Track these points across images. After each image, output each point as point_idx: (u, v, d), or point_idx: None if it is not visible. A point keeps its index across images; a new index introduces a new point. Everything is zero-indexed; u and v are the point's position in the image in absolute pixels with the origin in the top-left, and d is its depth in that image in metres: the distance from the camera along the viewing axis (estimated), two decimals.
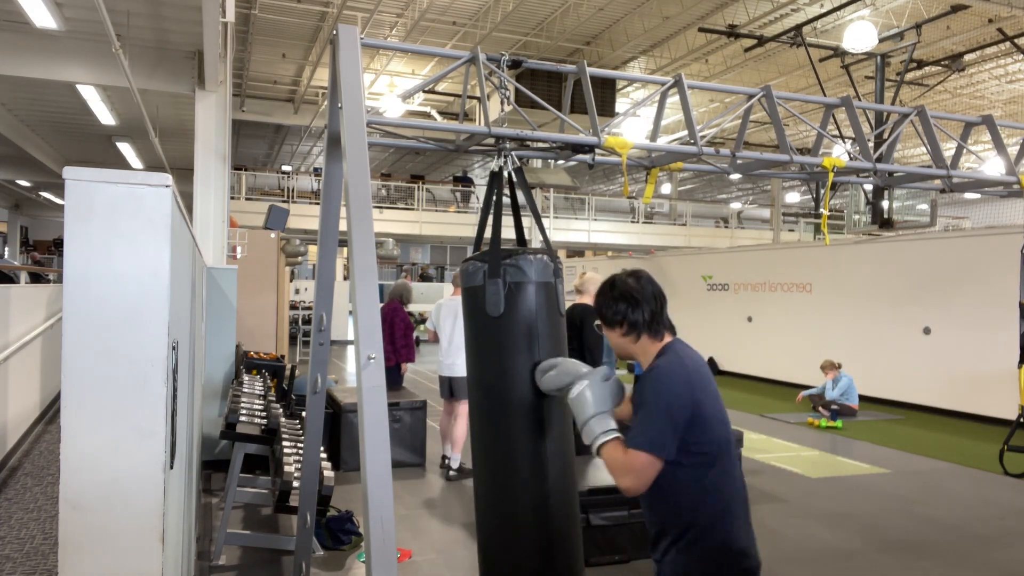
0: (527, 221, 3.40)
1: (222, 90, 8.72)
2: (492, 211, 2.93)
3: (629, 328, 2.30)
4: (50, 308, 7.44)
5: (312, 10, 13.83)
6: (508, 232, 2.99)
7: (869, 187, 12.92)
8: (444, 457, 6.90)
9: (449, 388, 6.85)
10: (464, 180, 24.10)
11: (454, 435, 6.70)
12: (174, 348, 2.00)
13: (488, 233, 2.84)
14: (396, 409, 6.91)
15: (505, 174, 3.11)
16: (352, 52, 2.94)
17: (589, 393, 2.25)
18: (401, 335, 7.75)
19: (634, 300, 2.29)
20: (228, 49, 9.07)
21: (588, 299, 6.17)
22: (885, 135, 7.94)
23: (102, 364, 1.77)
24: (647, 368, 2.28)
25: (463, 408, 6.59)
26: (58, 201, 24.20)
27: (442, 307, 6.94)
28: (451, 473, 6.66)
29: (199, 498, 5.36)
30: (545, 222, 23.61)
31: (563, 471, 2.67)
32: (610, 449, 2.19)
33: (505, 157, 3.15)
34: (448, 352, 6.81)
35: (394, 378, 7.74)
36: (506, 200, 3.09)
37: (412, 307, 28.80)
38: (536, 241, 22.31)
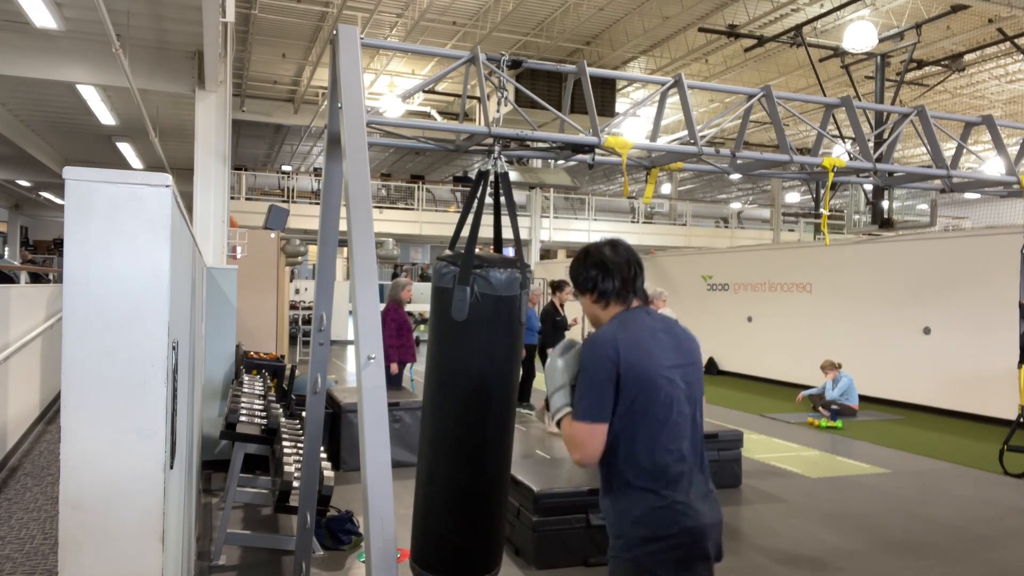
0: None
1: (222, 90, 8.72)
2: (473, 213, 2.99)
3: (599, 295, 2.36)
4: (50, 308, 7.44)
5: (312, 10, 13.83)
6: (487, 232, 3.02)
7: (869, 187, 12.92)
8: None
9: None
10: (464, 180, 24.11)
11: None
12: (174, 348, 2.00)
13: (466, 234, 2.92)
14: (396, 409, 6.91)
15: (493, 175, 3.12)
16: (352, 52, 2.95)
17: (555, 364, 2.33)
18: (393, 335, 7.70)
19: (606, 268, 2.34)
20: (228, 49, 9.07)
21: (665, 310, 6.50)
22: (885, 135, 7.94)
23: (102, 364, 1.77)
24: None
25: None
26: (58, 201, 24.20)
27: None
28: None
29: (199, 498, 5.36)
30: (545, 222, 23.59)
31: (499, 463, 2.89)
32: (564, 424, 2.26)
33: (495, 159, 3.16)
34: None
35: (387, 379, 7.65)
36: (492, 201, 3.12)
37: (413, 307, 28.75)
38: (535, 241, 21.99)
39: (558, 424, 2.30)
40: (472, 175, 26.44)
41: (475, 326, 2.79)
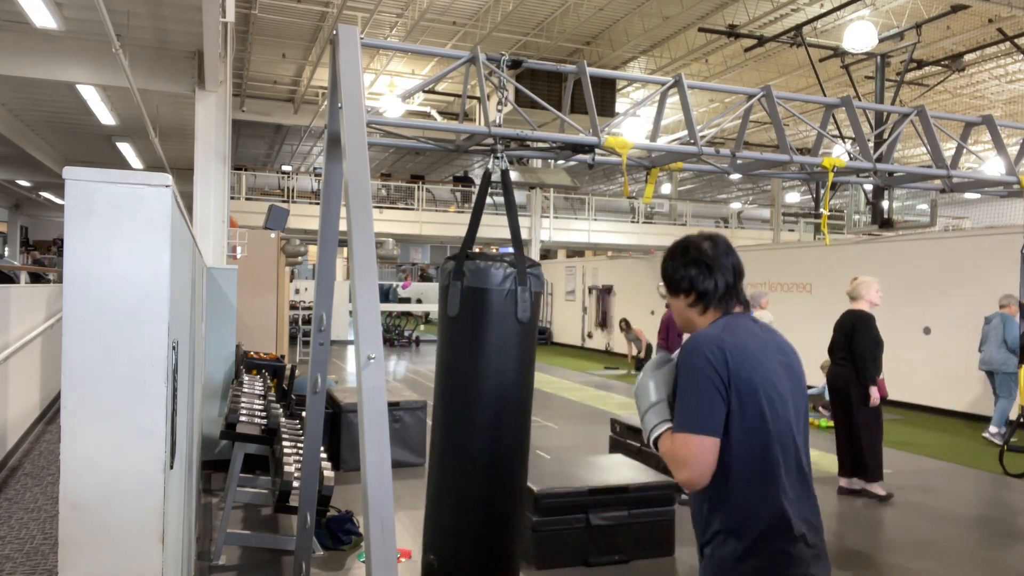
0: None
1: (222, 90, 8.72)
2: (475, 212, 3.04)
3: (697, 298, 2.06)
4: (50, 308, 7.44)
5: (312, 10, 13.83)
6: (503, 232, 3.06)
7: (869, 187, 12.92)
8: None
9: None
10: (464, 180, 24.10)
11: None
12: (174, 348, 2.00)
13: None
14: (396, 409, 6.91)
15: (498, 174, 3.14)
16: (352, 52, 2.95)
17: (646, 382, 2.03)
18: None
19: (707, 267, 2.04)
20: (228, 49, 9.07)
21: (862, 305, 6.29)
22: (885, 135, 7.95)
23: (102, 364, 1.77)
24: None
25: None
26: (58, 201, 24.20)
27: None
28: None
29: (199, 498, 5.36)
30: (545, 222, 23.56)
31: (513, 468, 2.97)
32: (663, 441, 1.94)
33: (496, 158, 3.18)
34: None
35: None
36: (501, 200, 3.16)
37: (411, 307, 28.60)
38: (535, 241, 22.00)
39: (656, 446, 1.98)
40: (472, 175, 26.50)
41: (464, 320, 2.89)
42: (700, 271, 2.05)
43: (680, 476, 1.89)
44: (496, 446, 2.93)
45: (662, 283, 2.18)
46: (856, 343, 6.09)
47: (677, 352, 2.05)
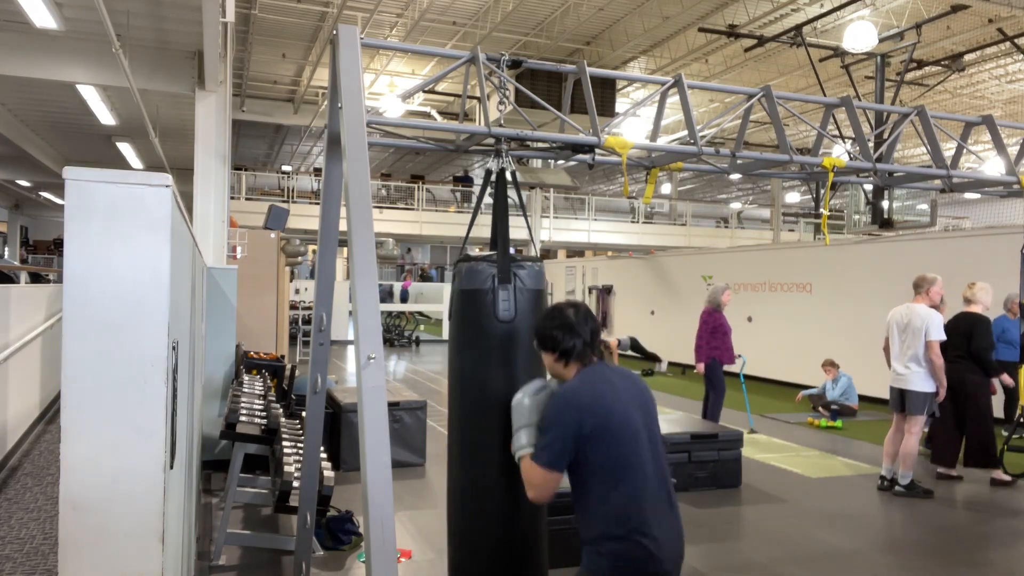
0: (521, 221, 3.44)
1: (222, 90, 8.72)
2: (472, 212, 3.13)
3: (560, 355, 2.54)
4: (50, 308, 7.44)
5: (312, 10, 13.83)
6: (516, 232, 3.06)
7: (869, 187, 12.92)
8: (882, 478, 6.52)
9: (900, 401, 6.37)
10: (464, 180, 24.10)
11: (902, 451, 6.34)
12: (174, 348, 2.00)
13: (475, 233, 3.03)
14: (396, 409, 6.91)
15: (508, 174, 3.16)
16: (352, 52, 2.95)
17: (524, 403, 2.52)
18: (706, 336, 8.21)
19: (571, 330, 2.53)
20: (228, 49, 9.07)
21: (978, 308, 6.72)
22: (885, 135, 7.94)
23: (102, 364, 1.77)
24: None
25: (912, 425, 6.29)
26: (58, 201, 24.20)
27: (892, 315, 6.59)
28: (897, 489, 6.35)
29: (199, 498, 5.36)
30: (545, 222, 23.54)
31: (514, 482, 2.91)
32: (524, 462, 2.48)
33: (502, 157, 3.18)
34: (896, 362, 6.40)
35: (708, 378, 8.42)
36: (489, 201, 3.18)
37: (412, 307, 28.59)
38: (536, 241, 21.93)
39: (519, 458, 2.50)
40: (472, 175, 26.54)
41: (460, 321, 2.97)
42: (564, 333, 2.54)
43: (529, 493, 2.46)
44: (505, 454, 2.93)
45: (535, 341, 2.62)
46: (976, 343, 6.60)
47: (550, 380, 2.63)
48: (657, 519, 2.41)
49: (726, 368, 8.30)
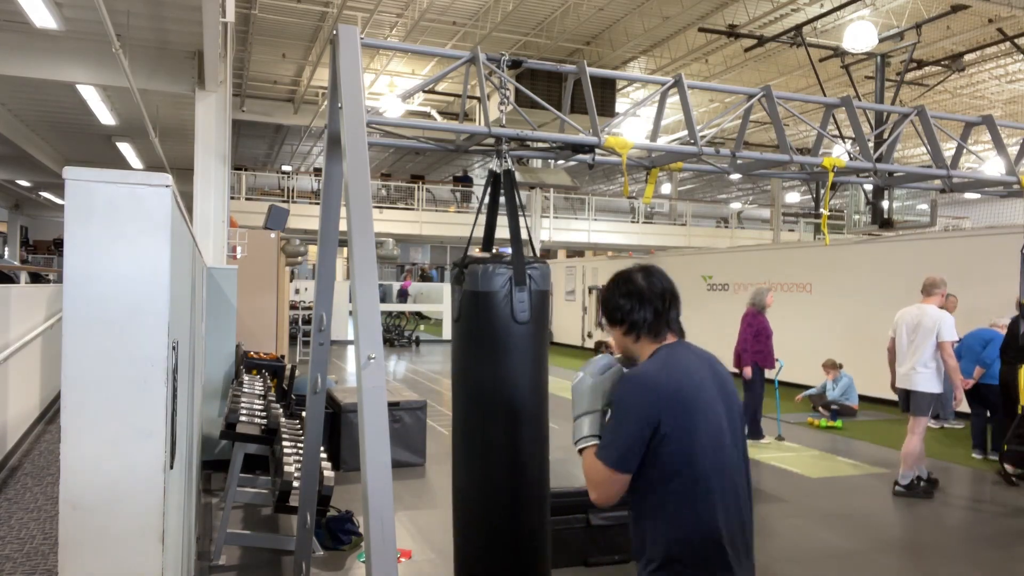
0: (527, 220, 3.45)
1: (222, 90, 8.72)
2: (478, 212, 3.11)
3: (630, 327, 2.14)
4: (50, 308, 7.44)
5: (312, 10, 13.83)
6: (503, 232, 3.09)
7: (869, 187, 12.92)
8: (918, 478, 6.49)
9: (906, 401, 6.41)
10: (464, 180, 24.10)
11: (904, 450, 6.38)
12: (174, 348, 2.00)
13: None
14: (396, 409, 6.91)
15: (514, 174, 3.17)
16: (352, 52, 2.94)
17: (587, 386, 2.13)
18: (750, 339, 8.23)
19: (639, 298, 2.12)
20: (228, 49, 9.07)
21: None
22: (885, 135, 7.94)
23: (102, 364, 1.77)
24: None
25: (916, 425, 6.32)
26: (58, 201, 24.20)
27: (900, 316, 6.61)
28: (897, 488, 6.37)
29: (199, 498, 5.36)
30: (545, 222, 23.56)
31: (538, 472, 2.97)
32: (586, 456, 2.09)
33: (503, 157, 3.19)
34: (903, 362, 6.40)
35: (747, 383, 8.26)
36: (501, 200, 3.17)
37: (411, 307, 28.53)
38: (535, 241, 21.94)
39: (580, 450, 2.11)
40: (472, 175, 26.52)
41: (466, 323, 2.95)
42: (632, 302, 2.13)
43: (591, 494, 2.07)
44: (514, 454, 2.94)
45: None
46: None
47: (617, 357, 2.20)
48: (744, 540, 2.03)
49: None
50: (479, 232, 3.28)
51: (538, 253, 3.26)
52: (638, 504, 2.06)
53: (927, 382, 6.19)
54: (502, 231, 2.96)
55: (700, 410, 2.00)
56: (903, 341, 6.40)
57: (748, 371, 8.06)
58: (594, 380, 2.12)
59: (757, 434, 8.28)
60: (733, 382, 2.17)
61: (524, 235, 3.01)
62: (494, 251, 3.20)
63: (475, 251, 3.14)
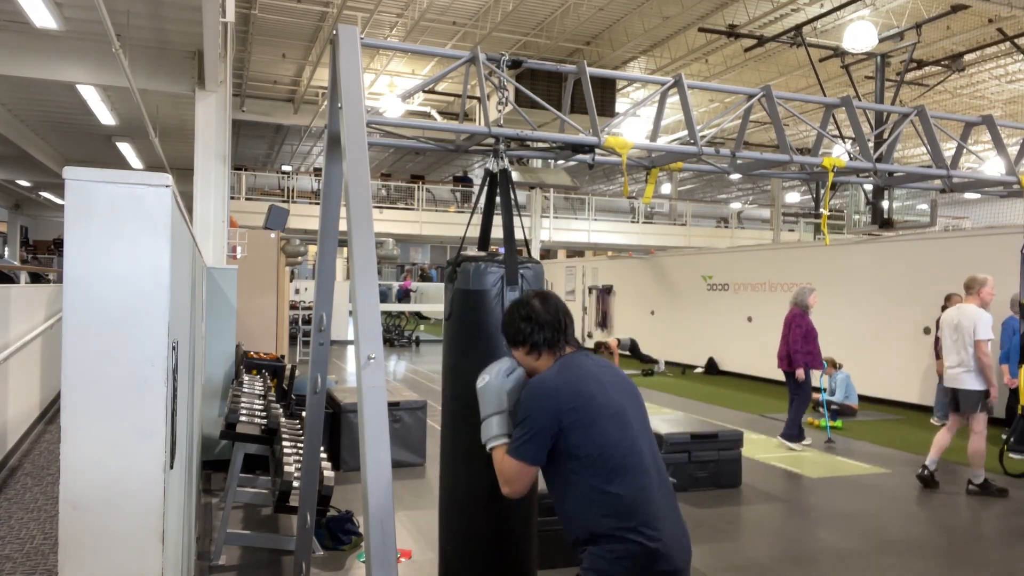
0: (527, 220, 3.45)
1: (222, 90, 8.72)
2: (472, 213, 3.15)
3: (531, 347, 2.41)
4: (50, 308, 7.44)
5: (312, 10, 13.83)
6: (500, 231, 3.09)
7: (869, 187, 12.92)
8: (924, 467, 6.60)
9: (954, 401, 6.40)
10: (464, 180, 24.10)
11: (970, 450, 6.36)
12: (174, 348, 2.00)
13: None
14: (396, 409, 6.91)
15: (510, 173, 3.17)
16: (352, 52, 2.94)
17: (494, 387, 2.37)
18: (799, 340, 7.97)
19: (537, 322, 2.39)
20: (228, 49, 9.07)
21: None
22: (885, 135, 7.94)
23: (102, 364, 1.77)
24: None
25: (975, 424, 6.30)
26: (58, 201, 24.21)
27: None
28: (970, 488, 6.41)
29: (199, 498, 5.36)
30: (545, 222, 23.52)
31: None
32: (496, 453, 2.34)
33: (499, 157, 3.19)
34: (948, 363, 6.42)
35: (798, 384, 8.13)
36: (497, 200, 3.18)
37: (411, 307, 28.53)
38: (536, 241, 21.94)
39: (490, 449, 2.35)
40: (472, 175, 26.50)
41: (457, 322, 2.99)
42: (530, 325, 2.40)
43: (503, 489, 2.32)
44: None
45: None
46: None
47: (510, 360, 2.45)
48: (664, 513, 2.24)
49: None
50: (474, 232, 3.27)
51: (536, 255, 3.27)
52: (556, 493, 2.31)
53: (972, 381, 6.24)
54: (501, 231, 2.96)
55: (597, 402, 2.26)
56: (947, 342, 6.46)
57: (801, 373, 7.93)
58: (499, 382, 2.38)
59: (799, 436, 8.12)
60: (630, 378, 2.47)
61: (520, 236, 3.01)
62: (490, 250, 3.20)
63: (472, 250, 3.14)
